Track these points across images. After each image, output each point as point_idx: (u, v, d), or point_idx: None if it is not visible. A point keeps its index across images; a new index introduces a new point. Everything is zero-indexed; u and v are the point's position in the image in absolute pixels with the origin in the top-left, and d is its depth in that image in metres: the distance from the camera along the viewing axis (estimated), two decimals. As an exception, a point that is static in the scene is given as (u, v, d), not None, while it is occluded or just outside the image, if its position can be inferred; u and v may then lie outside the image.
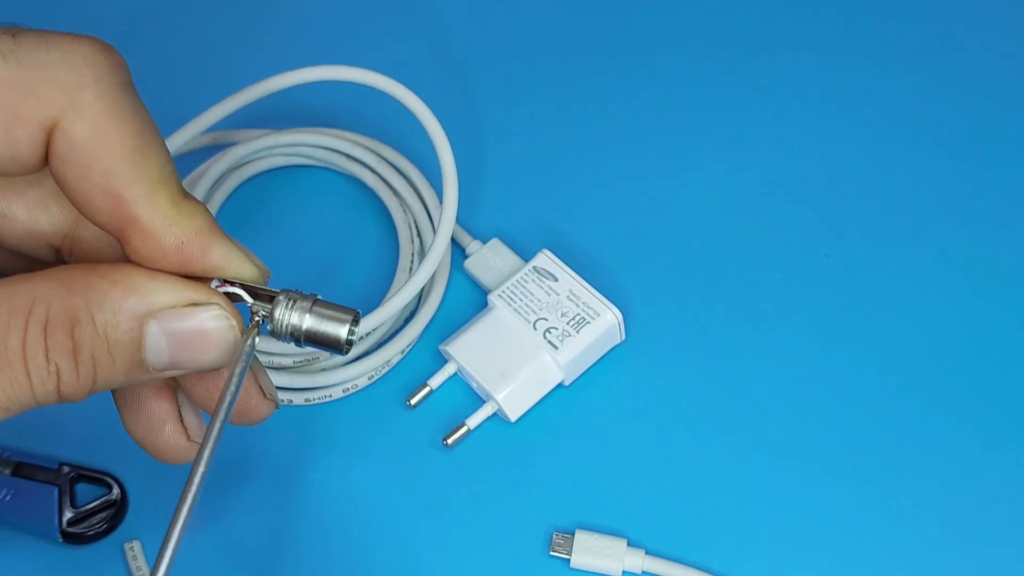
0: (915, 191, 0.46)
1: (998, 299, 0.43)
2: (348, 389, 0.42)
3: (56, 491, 0.40)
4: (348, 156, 0.47)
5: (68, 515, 0.40)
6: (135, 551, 0.39)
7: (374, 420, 0.42)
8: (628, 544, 0.38)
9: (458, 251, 0.45)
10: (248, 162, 0.47)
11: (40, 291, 0.23)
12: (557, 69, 0.51)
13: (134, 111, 0.24)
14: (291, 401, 0.42)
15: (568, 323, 0.41)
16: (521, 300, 0.41)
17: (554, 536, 0.38)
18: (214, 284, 0.25)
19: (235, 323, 0.25)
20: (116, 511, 0.40)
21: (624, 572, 0.38)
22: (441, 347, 0.42)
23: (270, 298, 0.26)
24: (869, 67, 0.49)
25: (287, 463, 0.41)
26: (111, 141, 0.24)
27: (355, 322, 0.26)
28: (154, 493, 0.41)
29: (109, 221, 0.25)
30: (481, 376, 0.40)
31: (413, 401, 0.41)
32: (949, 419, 0.40)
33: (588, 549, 0.38)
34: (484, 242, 0.44)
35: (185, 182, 0.46)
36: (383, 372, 0.43)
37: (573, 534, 0.38)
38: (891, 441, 0.40)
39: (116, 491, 0.40)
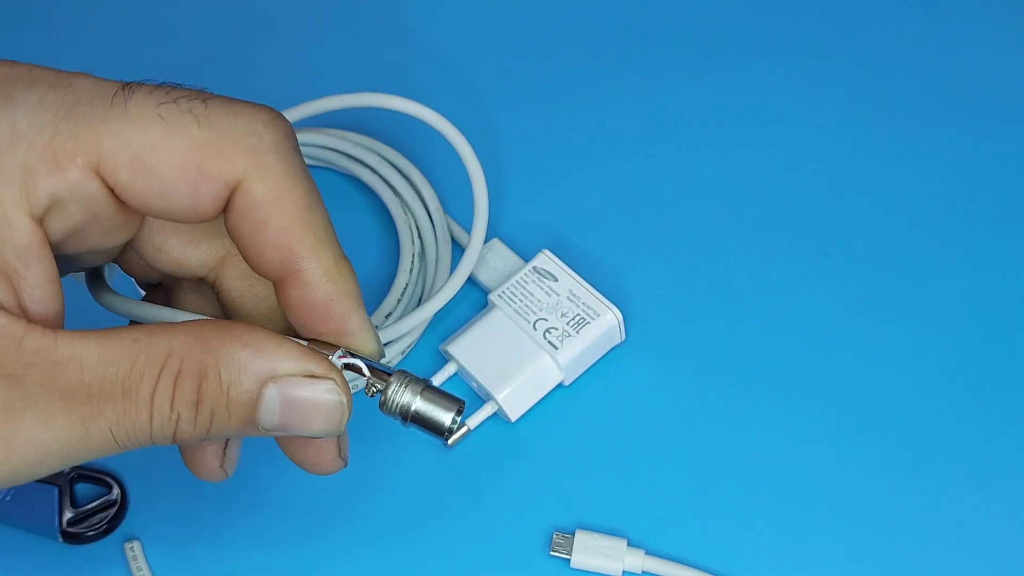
0: (915, 190, 0.46)
1: (999, 298, 0.43)
2: (348, 389, 0.42)
3: (56, 491, 0.40)
4: (349, 156, 0.47)
5: (68, 515, 0.40)
6: (135, 551, 0.39)
7: (374, 420, 0.42)
8: (628, 544, 0.38)
9: (458, 252, 0.45)
10: (248, 162, 0.47)
11: (177, 345, 0.25)
12: (558, 70, 0.51)
13: (305, 174, 0.27)
14: (291, 401, 0.42)
15: (568, 323, 0.41)
16: (521, 300, 0.41)
17: (554, 536, 0.38)
18: (339, 353, 0.27)
19: (346, 400, 0.27)
20: (116, 511, 0.40)
21: (624, 572, 0.38)
22: (441, 347, 0.42)
23: (384, 375, 0.28)
24: (869, 67, 0.49)
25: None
26: (287, 200, 0.26)
27: (459, 412, 0.28)
28: (154, 493, 0.41)
29: (273, 271, 0.27)
30: (481, 376, 0.40)
31: (413, 401, 0.41)
32: (951, 419, 0.40)
33: (588, 549, 0.38)
34: (484, 242, 0.44)
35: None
36: (383, 372, 0.43)
37: (573, 534, 0.38)
38: (891, 441, 0.40)
39: (116, 491, 0.41)
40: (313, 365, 0.26)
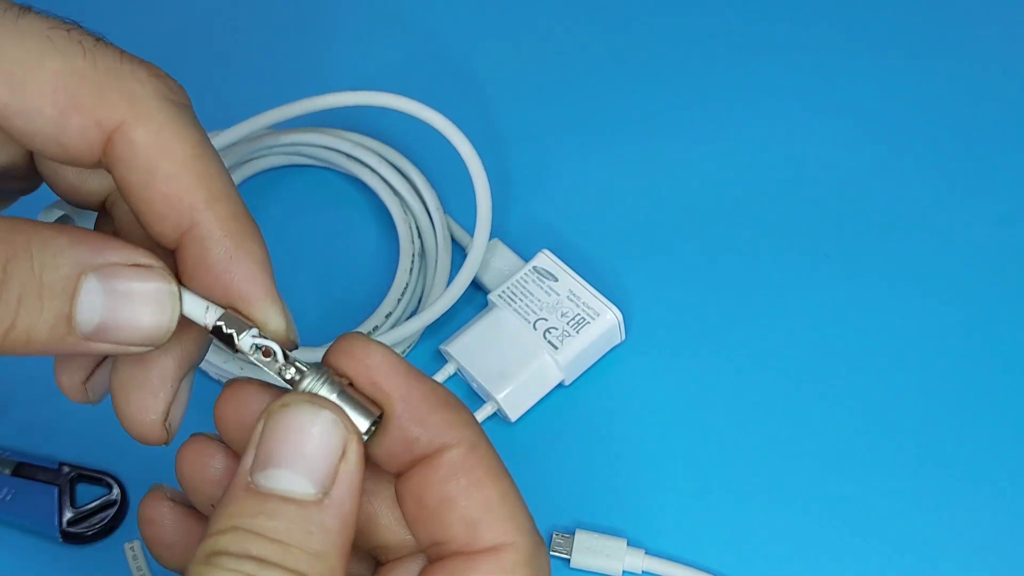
0: (915, 189, 0.46)
1: (999, 299, 0.43)
2: (348, 389, 0.42)
3: (56, 491, 0.40)
4: (348, 156, 0.47)
5: (68, 515, 0.40)
6: (135, 551, 0.39)
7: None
8: (628, 544, 0.38)
9: (458, 251, 0.45)
10: (248, 160, 0.47)
11: None
12: (558, 70, 0.51)
13: (194, 127, 0.25)
14: (291, 401, 0.42)
15: (568, 323, 0.41)
16: (521, 300, 0.41)
17: (554, 536, 0.38)
18: (252, 332, 0.24)
19: (176, 288, 0.24)
20: (116, 511, 0.40)
21: (624, 572, 0.38)
22: (441, 347, 0.42)
23: (302, 367, 0.24)
24: (869, 66, 0.49)
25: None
26: (173, 148, 0.24)
27: (375, 423, 0.24)
28: (154, 493, 0.41)
29: (168, 229, 0.25)
30: (481, 376, 0.40)
31: (413, 401, 0.41)
32: (950, 419, 0.40)
33: (588, 549, 0.38)
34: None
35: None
36: (383, 372, 0.42)
37: (573, 534, 0.38)
38: (893, 440, 0.40)
39: (116, 491, 0.41)
40: (140, 256, 0.23)
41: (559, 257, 0.42)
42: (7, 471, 0.41)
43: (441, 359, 0.42)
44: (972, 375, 0.41)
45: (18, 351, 0.23)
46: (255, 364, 0.24)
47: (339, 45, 0.53)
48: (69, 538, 0.40)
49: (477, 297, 0.44)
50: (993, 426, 0.40)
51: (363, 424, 0.24)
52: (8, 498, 0.40)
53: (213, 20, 0.54)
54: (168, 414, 0.26)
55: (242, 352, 0.24)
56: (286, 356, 0.24)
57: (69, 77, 0.24)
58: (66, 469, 0.41)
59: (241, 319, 0.24)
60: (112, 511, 0.40)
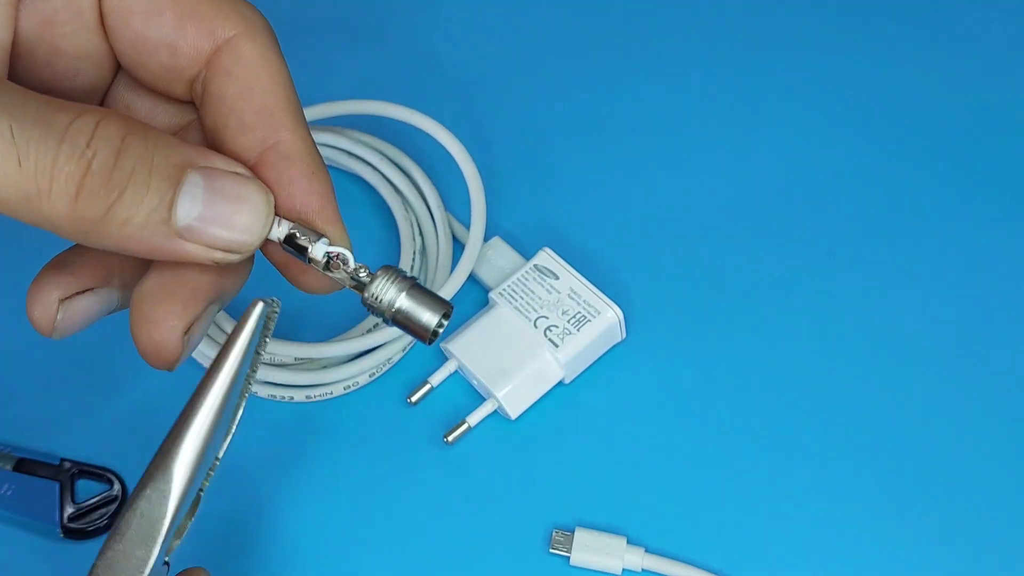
0: (919, 188, 0.46)
1: (1002, 299, 0.43)
2: (349, 386, 0.42)
3: (57, 487, 0.40)
4: (349, 154, 0.47)
5: (69, 511, 0.40)
6: (136, 547, 0.39)
7: (375, 417, 0.42)
8: (628, 542, 0.38)
9: (460, 249, 0.45)
10: (250, 159, 0.47)
11: (103, 110, 0.23)
12: (558, 68, 0.51)
13: (283, 58, 0.27)
14: (292, 398, 0.42)
15: (569, 321, 0.41)
16: (522, 298, 0.41)
17: (554, 533, 0.38)
18: (324, 241, 0.26)
19: (272, 200, 0.25)
20: (117, 507, 0.40)
21: (624, 570, 0.38)
22: (442, 345, 0.42)
23: (369, 270, 0.26)
24: (872, 64, 0.49)
25: (288, 460, 0.41)
26: (273, 68, 0.26)
27: (446, 315, 0.26)
28: (155, 489, 0.41)
29: (253, 143, 0.26)
30: (482, 374, 0.40)
31: (414, 399, 0.42)
32: (951, 420, 0.40)
33: (588, 547, 0.38)
34: (485, 240, 0.44)
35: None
36: (384, 369, 0.43)
37: (573, 532, 0.38)
38: (892, 440, 0.40)
39: (117, 487, 0.41)
40: (239, 167, 0.25)
41: (560, 255, 0.42)
42: (8, 467, 0.41)
43: (442, 357, 0.42)
44: (977, 372, 0.41)
45: (110, 234, 0.23)
46: (324, 270, 0.26)
47: (346, 47, 0.53)
48: (70, 534, 0.40)
49: (478, 295, 0.44)
50: (999, 423, 0.40)
51: (433, 319, 0.26)
52: (9, 493, 0.40)
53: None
54: (189, 329, 0.26)
55: (314, 259, 0.26)
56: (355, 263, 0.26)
57: None
58: (67, 465, 0.41)
59: (309, 231, 0.26)
60: (113, 507, 0.40)
